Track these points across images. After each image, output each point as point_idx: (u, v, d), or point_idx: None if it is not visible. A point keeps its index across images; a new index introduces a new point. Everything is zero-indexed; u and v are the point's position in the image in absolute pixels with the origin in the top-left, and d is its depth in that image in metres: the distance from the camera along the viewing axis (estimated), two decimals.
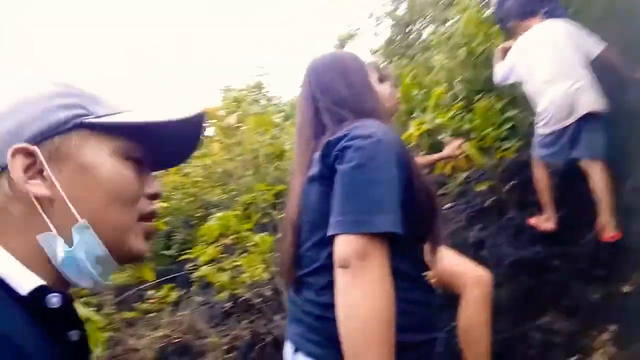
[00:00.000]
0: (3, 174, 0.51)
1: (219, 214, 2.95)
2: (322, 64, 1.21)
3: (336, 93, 1.14)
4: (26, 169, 0.51)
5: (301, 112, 1.21)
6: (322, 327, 0.99)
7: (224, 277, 3.08)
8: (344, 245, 0.88)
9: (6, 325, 0.45)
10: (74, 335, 0.52)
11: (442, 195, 3.40)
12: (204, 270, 3.18)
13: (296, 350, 1.06)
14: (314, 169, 1.06)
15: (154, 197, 0.63)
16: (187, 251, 3.31)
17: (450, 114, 3.37)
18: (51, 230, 0.51)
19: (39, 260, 0.51)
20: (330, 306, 0.92)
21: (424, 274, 1.09)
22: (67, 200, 0.52)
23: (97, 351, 2.07)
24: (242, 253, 3.08)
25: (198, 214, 4.24)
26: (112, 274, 0.62)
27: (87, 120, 0.55)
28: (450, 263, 1.79)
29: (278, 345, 2.70)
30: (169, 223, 4.32)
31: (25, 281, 0.48)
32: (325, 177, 1.01)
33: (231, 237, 3.07)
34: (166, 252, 4.12)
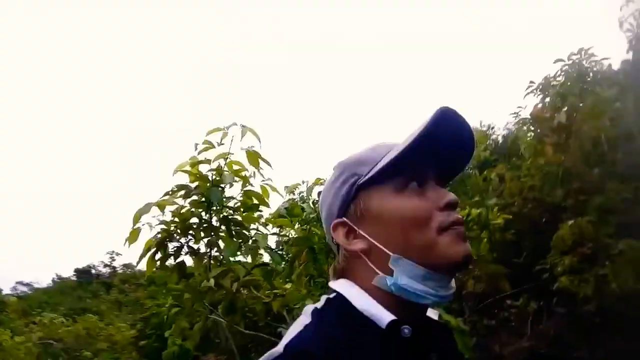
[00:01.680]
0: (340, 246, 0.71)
1: (570, 222, 2.72)
2: None
3: None
4: (347, 235, 0.69)
5: None
6: None
7: (587, 289, 2.80)
8: None
9: (370, 351, 0.59)
10: (434, 357, 0.63)
11: None
12: (564, 280, 2.98)
13: None
14: None
15: (448, 206, 0.65)
16: (540, 261, 3.19)
17: None
18: (379, 274, 0.64)
19: (388, 298, 0.64)
20: None
21: None
22: (378, 244, 0.65)
23: (468, 354, 2.24)
24: (606, 261, 2.72)
25: (544, 219, 3.99)
26: (448, 284, 0.65)
27: (360, 183, 0.68)
28: None
29: None
30: (515, 229, 4.25)
31: (383, 318, 0.61)
32: None
33: (589, 245, 2.77)
34: (516, 260, 4.05)
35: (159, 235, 2.28)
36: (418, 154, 0.65)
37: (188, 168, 2.24)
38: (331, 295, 0.69)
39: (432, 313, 0.72)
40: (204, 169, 2.28)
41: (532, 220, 4.11)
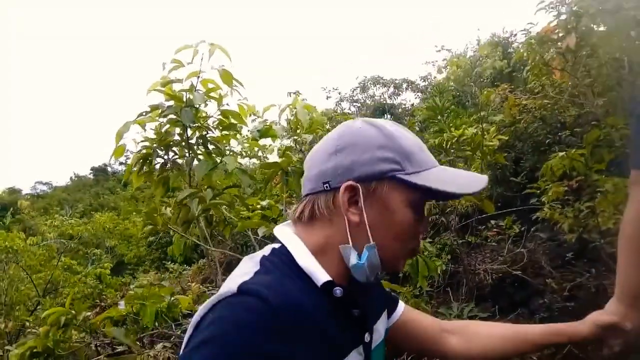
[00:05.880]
0: (331, 192, 0.74)
1: (561, 153, 2.61)
2: None
3: None
4: (349, 199, 0.72)
5: None
6: None
7: (568, 220, 2.79)
8: None
9: (308, 302, 0.68)
10: (355, 312, 0.75)
11: None
12: (547, 210, 2.96)
13: None
14: None
15: (422, 234, 0.80)
16: (532, 184, 3.13)
17: None
18: (349, 244, 0.72)
19: (332, 258, 0.74)
20: None
21: None
22: (367, 227, 0.72)
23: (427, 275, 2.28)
24: (590, 197, 2.66)
25: (548, 140, 3.84)
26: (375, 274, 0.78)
27: (398, 175, 0.72)
28: None
29: None
30: (517, 148, 4.14)
31: (320, 276, 0.72)
32: None
33: (576, 179, 2.68)
34: (514, 179, 4.01)
35: (144, 151, 2.33)
36: (443, 195, 0.75)
37: (160, 88, 2.18)
38: (276, 246, 0.77)
39: None
40: (176, 87, 2.22)
41: (535, 140, 3.97)
